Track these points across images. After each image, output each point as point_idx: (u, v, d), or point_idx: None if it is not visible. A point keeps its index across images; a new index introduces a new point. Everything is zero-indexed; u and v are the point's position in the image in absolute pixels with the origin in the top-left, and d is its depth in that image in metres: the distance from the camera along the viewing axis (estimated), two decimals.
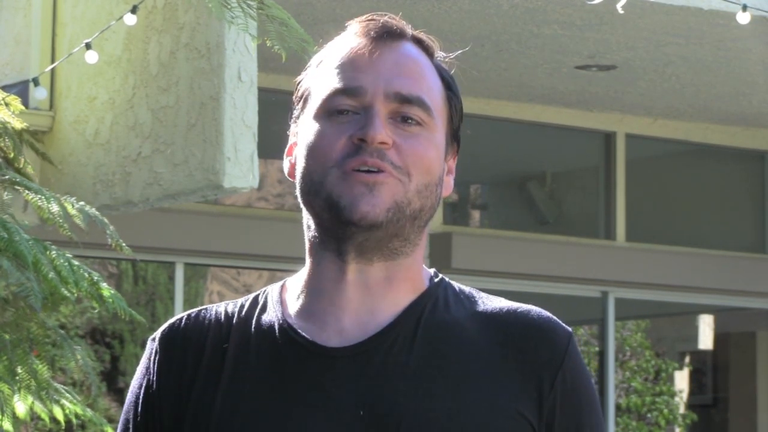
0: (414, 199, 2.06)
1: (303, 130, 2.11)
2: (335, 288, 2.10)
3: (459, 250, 10.86)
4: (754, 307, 12.29)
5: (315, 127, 2.08)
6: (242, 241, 10.26)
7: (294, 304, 2.12)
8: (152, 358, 2.14)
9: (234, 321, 2.13)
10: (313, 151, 2.08)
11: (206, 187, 7.95)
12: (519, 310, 2.12)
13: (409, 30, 2.13)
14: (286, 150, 2.15)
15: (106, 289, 5.64)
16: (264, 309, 2.13)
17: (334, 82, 2.08)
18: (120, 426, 2.18)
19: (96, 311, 6.13)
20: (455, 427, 2.02)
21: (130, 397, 2.15)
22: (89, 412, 6.09)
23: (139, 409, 2.13)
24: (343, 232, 2.06)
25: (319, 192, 2.06)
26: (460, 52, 2.25)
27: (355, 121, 2.05)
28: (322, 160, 2.06)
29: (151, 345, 2.14)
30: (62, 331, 5.97)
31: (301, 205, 2.10)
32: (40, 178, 7.68)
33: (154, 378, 2.13)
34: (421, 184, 2.07)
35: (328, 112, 2.07)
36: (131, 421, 2.14)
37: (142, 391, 2.14)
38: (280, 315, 2.11)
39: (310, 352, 2.07)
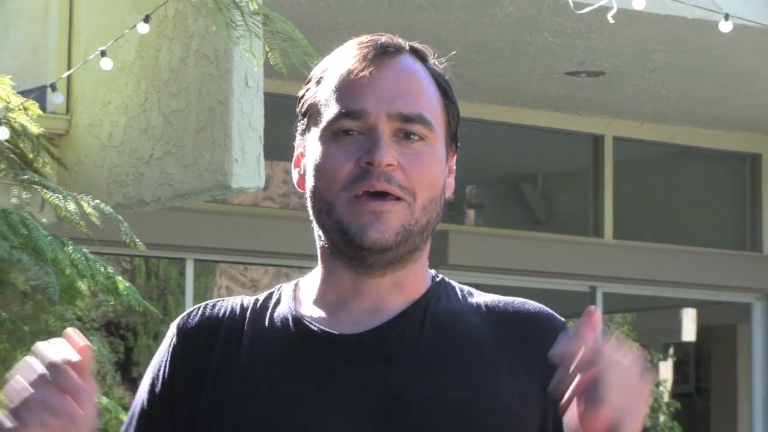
0: (420, 216, 2.09)
1: (310, 149, 2.12)
2: (346, 290, 2.12)
3: (455, 247, 10.86)
4: (734, 302, 12.29)
5: (322, 148, 2.10)
6: (249, 238, 10.27)
7: (307, 301, 2.14)
8: (169, 346, 2.15)
9: (249, 313, 2.14)
10: (321, 173, 2.09)
11: (215, 187, 7.96)
12: (517, 302, 2.15)
13: (404, 44, 2.13)
14: (294, 161, 2.17)
15: (121, 283, 5.65)
16: (278, 303, 2.15)
17: (338, 105, 2.09)
18: (133, 408, 2.18)
19: (111, 304, 6.13)
20: (464, 408, 2.03)
21: (145, 379, 2.16)
22: (104, 401, 6.09)
23: (154, 394, 2.14)
24: (354, 254, 2.08)
25: (329, 213, 2.08)
26: (453, 53, 2.26)
27: (361, 142, 2.07)
28: (331, 183, 2.08)
29: (171, 335, 2.15)
30: (79, 323, 5.97)
31: (312, 219, 2.12)
32: (57, 179, 7.68)
33: (168, 364, 2.14)
34: (426, 200, 2.09)
35: (334, 133, 2.09)
36: (145, 403, 2.14)
37: (157, 377, 2.14)
38: (293, 308, 2.13)
39: (323, 339, 2.08)
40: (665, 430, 13.11)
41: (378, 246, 2.05)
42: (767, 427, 12.08)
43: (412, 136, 2.08)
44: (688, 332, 13.91)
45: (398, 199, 2.06)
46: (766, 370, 12.14)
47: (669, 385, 13.64)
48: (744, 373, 12.38)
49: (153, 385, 2.14)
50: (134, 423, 2.15)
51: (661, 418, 13.12)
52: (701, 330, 13.87)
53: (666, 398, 13.34)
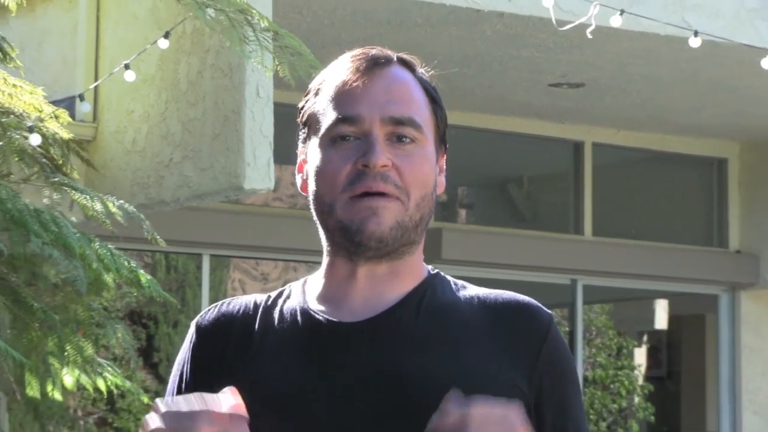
0: (414, 212, 2.09)
1: (311, 155, 2.13)
2: (348, 282, 2.12)
3: (448, 243, 10.86)
4: (703, 293, 12.29)
5: (322, 153, 2.11)
6: (260, 235, 10.26)
7: (313, 294, 2.14)
8: (189, 342, 2.17)
9: (261, 308, 2.16)
10: (322, 176, 2.10)
11: (229, 188, 7.96)
12: (506, 295, 2.15)
13: (393, 56, 2.14)
14: (297, 167, 2.18)
15: (143, 276, 5.65)
16: (288, 298, 2.16)
17: (335, 113, 2.10)
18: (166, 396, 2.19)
19: (134, 295, 6.12)
20: (464, 392, 1.99)
21: (171, 383, 2.19)
22: (128, 384, 6.09)
23: (179, 389, 2.16)
24: (354, 248, 2.09)
25: (331, 214, 2.09)
26: (435, 63, 2.26)
27: (357, 146, 2.08)
28: (331, 185, 2.09)
29: (191, 332, 2.18)
30: (105, 313, 5.97)
31: (315, 220, 2.13)
32: (84, 181, 7.68)
33: (189, 360, 2.16)
34: (419, 198, 2.10)
35: (332, 139, 2.10)
36: (174, 394, 2.16)
37: (180, 374, 2.17)
38: (301, 301, 2.14)
39: (327, 327, 2.09)
40: (639, 410, 13.13)
41: (375, 237, 2.06)
42: (732, 407, 12.08)
43: (404, 139, 2.09)
44: (661, 321, 13.91)
45: (394, 197, 2.07)
46: (731, 356, 12.14)
47: (643, 369, 13.65)
48: (711, 359, 12.38)
49: (179, 382, 2.16)
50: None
51: (636, 399, 13.14)
52: (672, 319, 13.87)
53: (640, 381, 13.35)
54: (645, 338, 13.93)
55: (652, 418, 13.13)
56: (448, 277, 2.18)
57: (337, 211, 2.07)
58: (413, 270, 2.14)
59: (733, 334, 12.14)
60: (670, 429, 13.40)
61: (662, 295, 13.16)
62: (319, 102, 2.13)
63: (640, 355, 13.73)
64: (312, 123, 2.14)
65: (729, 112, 11.00)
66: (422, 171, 2.10)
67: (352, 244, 2.08)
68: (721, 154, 12.19)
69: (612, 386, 12.97)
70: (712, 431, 12.34)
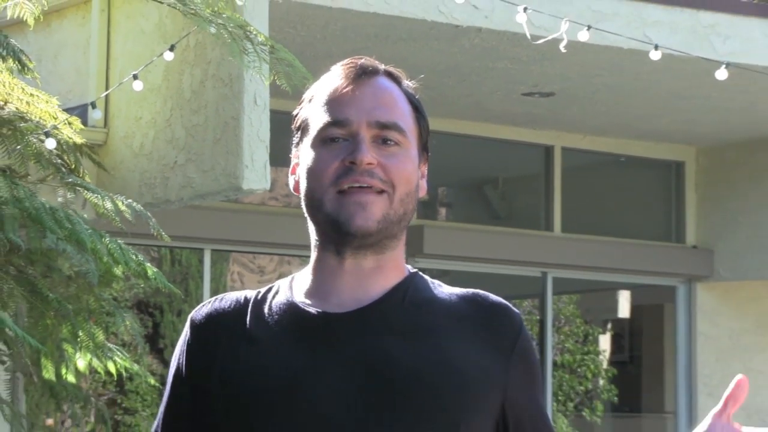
0: (398, 207, 2.08)
1: (303, 156, 2.12)
2: (335, 275, 2.10)
3: (430, 239, 10.86)
4: (662, 285, 12.31)
5: (313, 153, 2.10)
6: (257, 231, 10.26)
7: (301, 289, 2.12)
8: (185, 337, 2.15)
9: (251, 303, 2.14)
10: (312, 174, 2.09)
11: (228, 189, 7.95)
12: (482, 294, 2.14)
13: (380, 67, 2.14)
14: (290, 170, 2.18)
15: (150, 269, 5.64)
16: (277, 294, 2.14)
17: (325, 116, 2.10)
18: (164, 398, 2.20)
19: (141, 287, 6.11)
20: (437, 375, 2.02)
21: (171, 375, 2.17)
22: (135, 367, 6.08)
23: (177, 381, 2.15)
24: (342, 240, 2.07)
25: (320, 208, 2.07)
26: (422, 76, 2.26)
27: (345, 147, 2.07)
28: (320, 181, 2.07)
29: (186, 328, 2.16)
30: (114, 303, 5.96)
31: (306, 215, 2.11)
32: (96, 182, 7.66)
33: (185, 353, 2.14)
34: (403, 193, 2.08)
35: (323, 140, 2.09)
36: (171, 390, 2.16)
37: (177, 367, 2.15)
38: (289, 296, 2.12)
39: (316, 319, 2.07)
40: (604, 391, 13.14)
41: (362, 231, 2.05)
42: (688, 389, 12.10)
43: (389, 142, 2.08)
44: (623, 310, 13.92)
45: (380, 192, 2.06)
46: (687, 343, 12.16)
47: (607, 354, 13.66)
48: (669, 345, 12.40)
49: (176, 373, 2.14)
50: (164, 406, 2.16)
51: (601, 381, 13.15)
52: (634, 309, 13.89)
53: (605, 365, 13.36)
54: (609, 326, 13.94)
55: (615, 399, 13.15)
56: (426, 277, 2.18)
57: (327, 206, 2.06)
58: (396, 266, 2.13)
59: (689, 323, 12.16)
60: (631, 409, 13.41)
61: (625, 286, 13.17)
62: (312, 108, 2.13)
63: (605, 342, 13.75)
64: (304, 127, 2.13)
65: (686, 119, 11.02)
66: (406, 169, 2.09)
67: (340, 236, 2.06)
68: (679, 158, 12.21)
69: (579, 370, 12.98)
70: (669, 411, 12.36)
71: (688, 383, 12.11)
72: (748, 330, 12.23)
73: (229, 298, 2.16)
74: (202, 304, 2.17)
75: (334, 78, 2.12)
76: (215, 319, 2.14)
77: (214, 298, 2.18)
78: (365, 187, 2.05)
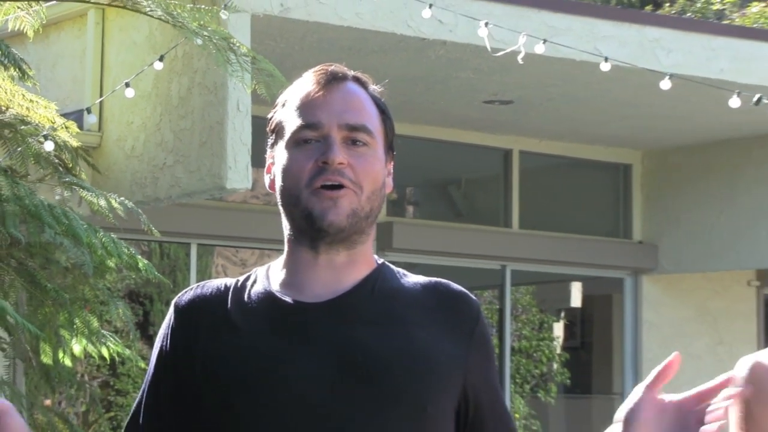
0: (366, 204, 2.07)
1: (278, 156, 2.11)
2: (310, 268, 2.10)
3: (398, 234, 10.87)
4: (610, 277, 12.35)
5: (287, 154, 2.09)
6: (239, 227, 10.24)
7: (277, 279, 2.11)
8: (168, 320, 2.13)
9: (231, 291, 2.12)
10: (288, 173, 2.08)
11: (213, 188, 7.94)
12: (443, 283, 2.14)
13: (349, 73, 2.14)
14: (266, 169, 2.16)
15: (141, 261, 5.62)
16: (255, 282, 2.12)
17: (299, 120, 2.09)
18: (145, 381, 2.17)
19: (133, 278, 6.09)
20: (404, 360, 2.02)
21: (153, 358, 2.14)
22: (127, 352, 6.06)
23: (160, 365, 2.13)
24: (316, 234, 2.06)
25: (296, 205, 2.06)
26: (387, 82, 2.26)
27: (318, 147, 2.07)
28: (295, 180, 2.07)
29: (170, 313, 2.13)
30: (108, 292, 5.94)
31: (281, 211, 2.11)
32: (91, 182, 7.64)
33: (169, 336, 2.12)
34: (370, 191, 2.08)
35: (296, 142, 2.08)
36: (152, 373, 2.13)
37: (161, 348, 2.13)
38: (267, 285, 2.10)
39: (292, 308, 2.06)
40: (557, 374, 13.17)
41: (334, 226, 2.04)
42: (634, 372, 12.15)
43: (358, 143, 2.08)
44: (576, 300, 13.96)
45: (349, 189, 2.05)
46: (633, 330, 12.21)
47: (561, 340, 13.70)
48: (617, 332, 12.45)
49: (159, 355, 2.12)
50: (146, 386, 2.14)
51: (555, 365, 13.18)
52: (585, 298, 13.93)
53: (558, 350, 13.39)
54: (562, 314, 13.98)
55: (568, 381, 13.19)
56: (393, 267, 2.17)
57: (303, 202, 2.05)
58: (366, 259, 2.12)
59: (635, 312, 12.21)
60: (582, 391, 13.45)
61: (577, 278, 13.22)
62: (285, 112, 2.12)
63: (558, 329, 13.78)
64: (279, 130, 2.13)
65: (633, 125, 11.06)
66: (373, 169, 2.08)
67: (314, 230, 2.05)
68: (626, 161, 12.26)
69: (535, 355, 13.01)
70: (617, 392, 12.40)
71: (634, 367, 12.16)
72: (689, 318, 12.30)
73: (211, 286, 2.15)
74: (185, 291, 2.15)
75: (306, 83, 2.12)
76: (198, 304, 2.12)
77: (196, 285, 2.16)
78: (336, 185, 2.05)
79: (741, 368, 2.43)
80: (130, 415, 2.14)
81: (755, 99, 8.27)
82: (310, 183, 2.05)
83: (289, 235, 2.11)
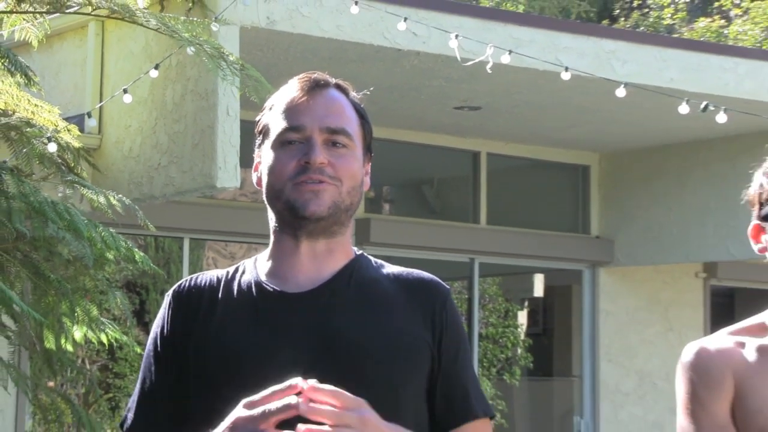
0: (345, 198, 2.09)
1: (265, 156, 2.13)
2: (292, 258, 2.11)
3: (375, 229, 10.87)
4: (570, 269, 12.38)
5: (273, 154, 2.10)
6: (229, 223, 10.23)
7: (263, 269, 2.12)
8: (167, 307, 2.14)
9: (223, 281, 2.13)
10: (273, 171, 2.09)
11: (204, 186, 7.92)
12: (415, 272, 2.16)
13: (331, 80, 2.15)
14: (254, 167, 2.18)
15: (137, 253, 5.61)
16: (243, 273, 2.13)
17: (284, 122, 2.11)
18: (143, 363, 2.16)
19: (130, 269, 6.08)
20: (379, 345, 2.03)
21: (150, 342, 2.14)
22: (124, 338, 6.05)
23: (157, 342, 2.13)
24: (298, 224, 2.07)
25: (279, 197, 2.08)
26: (365, 90, 2.27)
27: (301, 148, 2.09)
28: (280, 177, 2.08)
29: (167, 298, 2.15)
30: (107, 283, 5.93)
31: (267, 205, 2.12)
32: (91, 180, 7.62)
33: (168, 321, 2.12)
34: (349, 187, 2.09)
35: (281, 143, 2.10)
36: (152, 356, 2.13)
37: (160, 330, 2.13)
38: (255, 275, 2.11)
39: (277, 297, 2.07)
40: (521, 359, 13.20)
41: (315, 216, 2.05)
42: (592, 357, 12.18)
43: (338, 144, 2.10)
44: (538, 290, 13.99)
45: (330, 184, 2.06)
46: (591, 318, 12.25)
47: (524, 327, 13.72)
48: (576, 320, 12.48)
49: (156, 339, 2.12)
50: (141, 377, 2.14)
51: (519, 350, 13.21)
52: (547, 289, 13.96)
53: (522, 336, 13.42)
54: (526, 304, 14.01)
55: (531, 365, 13.22)
56: (370, 257, 2.18)
57: (286, 194, 2.06)
58: (344, 249, 2.13)
59: (593, 301, 12.24)
60: (544, 373, 13.48)
61: (539, 270, 13.25)
62: (272, 115, 2.14)
63: (522, 317, 13.81)
64: (266, 131, 2.14)
65: (591, 129, 11.09)
66: (352, 168, 2.10)
67: (296, 220, 2.06)
68: (585, 162, 12.29)
69: (500, 340, 13.04)
70: (576, 375, 12.43)
71: (591, 352, 12.20)
72: (641, 307, 12.34)
73: (204, 277, 2.16)
74: (181, 281, 2.17)
75: (291, 89, 2.14)
76: (193, 293, 2.13)
77: (191, 276, 2.17)
78: (317, 181, 2.05)
79: (687, 353, 2.44)
80: (132, 400, 2.14)
81: (702, 106, 8.31)
82: (293, 179, 2.06)
83: (274, 226, 2.13)
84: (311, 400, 1.82)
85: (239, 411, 1.86)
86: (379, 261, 2.18)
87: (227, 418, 1.88)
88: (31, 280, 5.55)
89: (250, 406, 1.85)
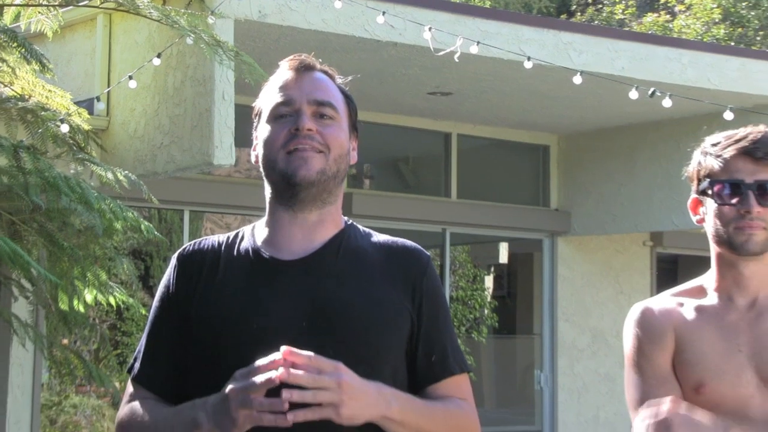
0: (333, 165, 2.08)
1: (261, 131, 2.12)
2: (286, 227, 2.10)
3: (357, 203, 10.88)
4: (532, 238, 12.43)
5: (267, 127, 2.10)
6: (225, 196, 10.22)
7: (260, 237, 2.12)
8: (172, 269, 2.14)
9: (224, 246, 2.13)
10: (268, 142, 2.09)
11: (203, 164, 7.91)
12: (399, 241, 2.15)
13: (318, 64, 2.15)
14: (252, 147, 2.17)
15: (143, 224, 5.60)
16: (242, 239, 2.13)
17: (276, 98, 2.11)
18: (150, 318, 2.16)
19: (135, 238, 6.08)
20: (367, 311, 2.03)
21: (157, 300, 2.14)
22: (131, 300, 6.05)
23: (163, 300, 2.13)
24: (290, 191, 2.06)
25: (274, 168, 2.07)
26: (356, 77, 2.27)
27: (291, 120, 2.09)
28: (273, 146, 2.08)
29: (172, 261, 2.14)
30: (115, 250, 5.92)
31: (264, 178, 2.11)
32: (100, 158, 7.60)
33: (173, 282, 2.12)
34: (336, 155, 2.09)
35: (275, 117, 2.10)
36: (158, 312, 2.13)
37: (165, 289, 2.13)
38: (252, 243, 2.11)
39: (272, 263, 2.07)
40: (488, 318, 13.25)
41: (306, 181, 2.04)
42: (551, 317, 12.24)
43: (325, 116, 2.10)
44: (503, 257, 14.03)
45: (319, 152, 2.06)
46: (550, 281, 12.30)
47: (490, 290, 13.77)
48: (537, 283, 12.53)
49: (162, 298, 2.12)
50: (148, 330, 2.14)
51: (486, 311, 13.26)
52: (511, 256, 14.00)
53: (489, 299, 13.47)
54: (492, 269, 14.05)
55: (497, 324, 13.27)
56: (360, 227, 2.18)
57: (279, 164, 2.06)
58: (334, 219, 2.12)
59: (552, 267, 12.29)
60: (508, 332, 13.54)
61: (504, 239, 13.28)
62: (265, 97, 2.14)
63: (489, 281, 13.85)
64: (260, 113, 2.14)
65: (551, 113, 11.11)
66: (339, 136, 2.09)
67: (288, 186, 2.05)
68: (545, 143, 12.31)
69: (469, 302, 13.09)
70: (536, 333, 12.50)
71: (550, 312, 12.26)
72: (595, 272, 12.40)
73: (207, 242, 2.15)
74: (186, 245, 2.16)
75: (282, 70, 2.15)
76: (196, 256, 2.13)
77: (195, 241, 2.17)
78: (307, 148, 2.05)
79: (634, 312, 2.46)
80: (139, 350, 2.15)
81: (650, 92, 8.33)
82: (284, 146, 2.05)
83: (270, 198, 2.12)
84: (293, 365, 1.84)
85: (232, 382, 1.88)
86: (368, 230, 2.17)
87: (224, 388, 1.90)
88: (46, 247, 5.54)
89: (241, 377, 1.86)
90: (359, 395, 1.87)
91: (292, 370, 1.83)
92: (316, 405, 1.84)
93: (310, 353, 1.85)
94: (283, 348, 1.85)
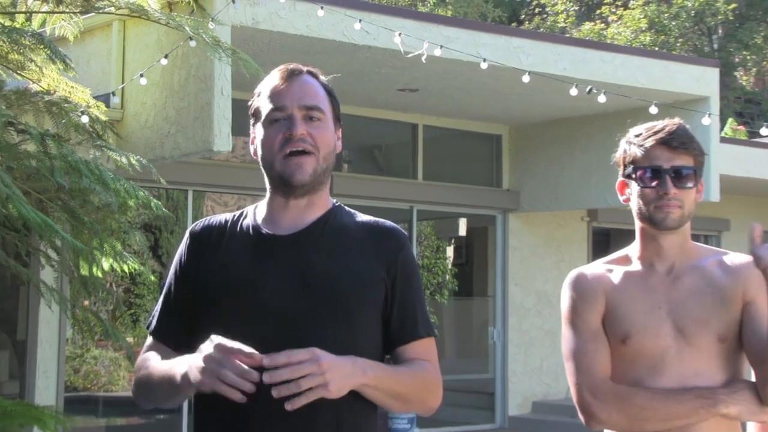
0: (323, 162, 2.10)
1: (258, 133, 2.13)
2: (282, 209, 2.11)
3: (337, 184, 10.87)
4: (487, 214, 12.48)
5: (264, 131, 2.11)
6: (223, 178, 10.19)
7: (261, 216, 2.13)
8: (185, 242, 2.15)
9: (230, 223, 2.14)
10: (264, 145, 2.10)
11: (204, 150, 7.90)
12: (381, 221, 2.15)
13: (304, 68, 2.15)
14: (251, 140, 2.17)
15: (153, 201, 5.59)
16: (245, 217, 2.14)
17: (270, 105, 2.10)
18: (166, 283, 2.18)
19: (146, 213, 6.06)
20: (347, 280, 2.03)
21: (172, 268, 2.16)
22: (142, 268, 6.04)
23: (177, 268, 2.14)
24: (287, 190, 2.08)
25: (272, 169, 2.08)
26: (332, 77, 2.28)
27: (285, 124, 2.09)
28: (271, 149, 2.08)
29: (186, 234, 2.16)
30: (128, 225, 5.90)
31: (263, 173, 2.12)
32: (115, 145, 7.56)
33: (185, 253, 2.14)
34: (325, 153, 2.10)
35: (270, 121, 2.10)
36: (172, 278, 2.15)
37: (179, 259, 2.15)
38: (253, 220, 2.12)
39: (269, 238, 2.08)
40: (449, 283, 13.30)
41: (301, 184, 2.06)
42: (503, 281, 12.31)
43: (313, 118, 2.10)
44: (462, 231, 14.06)
45: (310, 153, 2.06)
46: (503, 252, 12.36)
47: (451, 259, 13.82)
48: (491, 253, 12.59)
49: (176, 267, 2.14)
50: (164, 293, 2.16)
51: (447, 277, 13.30)
52: (469, 230, 14.04)
53: (449, 266, 13.51)
54: (453, 241, 14.09)
55: (456, 288, 13.31)
56: (346, 208, 2.19)
57: (276, 167, 2.07)
58: (322, 202, 2.14)
59: (504, 239, 12.35)
60: (466, 294, 13.59)
61: (463, 215, 13.32)
62: (260, 100, 2.14)
63: (450, 251, 13.89)
64: (256, 113, 2.15)
65: (504, 107, 11.13)
66: (326, 136, 2.10)
67: (285, 186, 2.07)
68: (498, 132, 12.35)
69: (433, 269, 13.12)
70: (491, 295, 12.56)
71: (502, 277, 12.33)
72: (540, 244, 12.47)
73: (216, 219, 2.16)
74: (196, 223, 2.17)
75: (274, 78, 2.14)
76: (206, 232, 2.14)
77: (206, 218, 2.17)
78: (300, 151, 2.06)
79: (570, 277, 2.50)
80: (156, 309, 2.17)
81: (587, 89, 8.38)
82: (280, 150, 2.06)
83: (269, 186, 2.13)
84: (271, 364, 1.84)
85: (209, 348, 1.87)
86: (354, 211, 2.18)
87: (202, 346, 1.89)
88: (69, 222, 5.53)
89: (219, 349, 1.86)
90: (339, 369, 1.88)
91: (274, 372, 1.84)
92: (307, 390, 1.85)
93: (285, 351, 1.86)
94: (264, 359, 1.85)
